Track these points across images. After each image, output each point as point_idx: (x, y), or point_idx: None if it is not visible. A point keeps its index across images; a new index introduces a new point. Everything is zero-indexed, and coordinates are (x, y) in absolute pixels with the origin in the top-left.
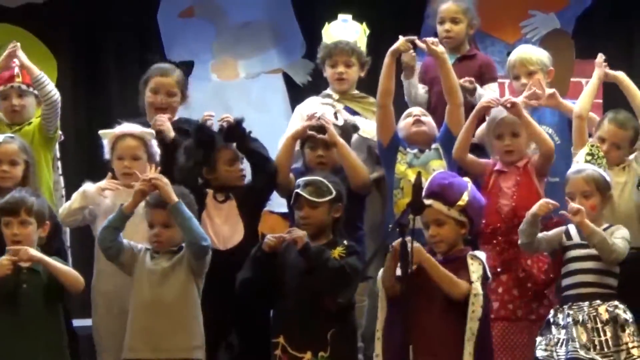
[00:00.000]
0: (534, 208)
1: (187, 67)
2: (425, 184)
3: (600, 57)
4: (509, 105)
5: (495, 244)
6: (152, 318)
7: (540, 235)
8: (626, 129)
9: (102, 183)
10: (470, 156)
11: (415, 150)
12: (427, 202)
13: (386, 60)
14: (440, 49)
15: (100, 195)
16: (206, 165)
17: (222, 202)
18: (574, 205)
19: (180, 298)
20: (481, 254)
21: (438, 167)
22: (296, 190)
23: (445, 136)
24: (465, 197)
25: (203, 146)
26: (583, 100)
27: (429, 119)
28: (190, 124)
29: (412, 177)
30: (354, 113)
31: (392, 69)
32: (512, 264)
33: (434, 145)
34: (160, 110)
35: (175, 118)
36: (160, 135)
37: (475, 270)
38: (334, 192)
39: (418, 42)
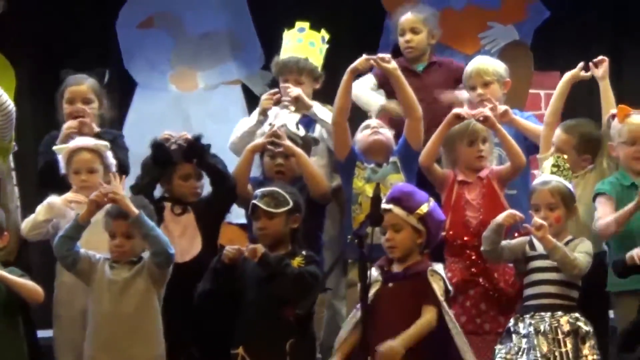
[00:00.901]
0: (499, 218)
1: (101, 76)
2: (387, 192)
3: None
4: (481, 118)
5: (464, 257)
6: (113, 328)
7: (503, 243)
8: (570, 134)
9: (69, 195)
10: (436, 166)
11: (373, 165)
12: (387, 206)
13: (344, 77)
14: (392, 65)
15: (68, 207)
16: (161, 181)
17: (180, 215)
18: (537, 219)
19: (141, 308)
20: (439, 267)
21: (396, 181)
22: (253, 201)
23: (404, 149)
24: (425, 207)
25: (160, 164)
26: (550, 107)
27: (386, 130)
28: (111, 134)
29: (370, 192)
30: (312, 121)
31: (349, 86)
32: (480, 277)
33: (391, 159)
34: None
35: (98, 129)
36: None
37: (438, 289)
38: (291, 203)
39: (372, 61)
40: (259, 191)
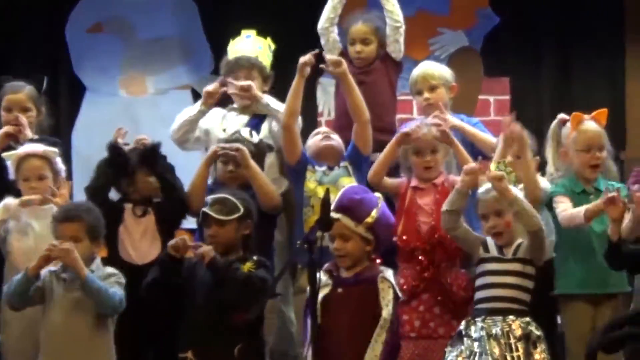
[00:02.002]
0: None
1: (39, 83)
2: (336, 197)
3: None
4: (438, 134)
5: (415, 262)
6: (64, 345)
7: (465, 225)
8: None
9: (25, 197)
10: (385, 179)
11: (324, 168)
12: (335, 215)
13: (295, 79)
14: (342, 69)
15: (24, 207)
16: (115, 185)
17: (141, 217)
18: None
19: (93, 326)
20: (389, 274)
21: (348, 184)
22: (203, 209)
23: (353, 153)
24: (374, 214)
25: (114, 166)
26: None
27: (336, 136)
28: (49, 142)
29: (322, 194)
30: (262, 117)
31: (300, 88)
32: (432, 282)
33: (342, 163)
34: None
35: (35, 137)
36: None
37: (385, 296)
38: (242, 210)
39: (323, 66)
40: (209, 198)
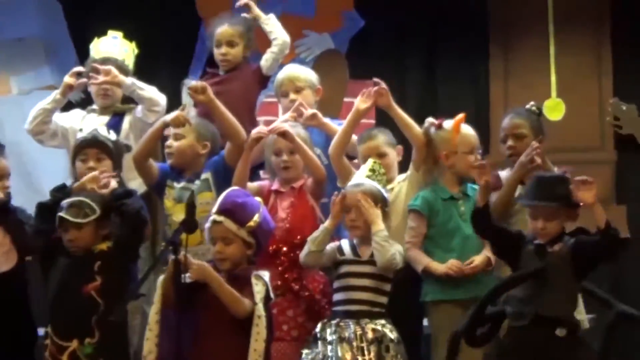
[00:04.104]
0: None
1: None
2: (219, 199)
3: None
4: (280, 133)
5: (277, 264)
6: None
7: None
8: (386, 134)
9: None
10: (249, 184)
11: (183, 183)
12: (218, 218)
13: (156, 125)
14: (206, 97)
15: None
16: None
17: None
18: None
19: None
20: (265, 274)
21: (206, 200)
22: (59, 214)
23: (221, 167)
24: (256, 219)
25: None
26: (336, 141)
27: (176, 143)
28: None
29: (179, 215)
30: (121, 116)
31: (159, 133)
32: (290, 284)
33: (203, 176)
34: None
35: None
36: None
37: (259, 291)
38: (99, 211)
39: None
40: (64, 202)
